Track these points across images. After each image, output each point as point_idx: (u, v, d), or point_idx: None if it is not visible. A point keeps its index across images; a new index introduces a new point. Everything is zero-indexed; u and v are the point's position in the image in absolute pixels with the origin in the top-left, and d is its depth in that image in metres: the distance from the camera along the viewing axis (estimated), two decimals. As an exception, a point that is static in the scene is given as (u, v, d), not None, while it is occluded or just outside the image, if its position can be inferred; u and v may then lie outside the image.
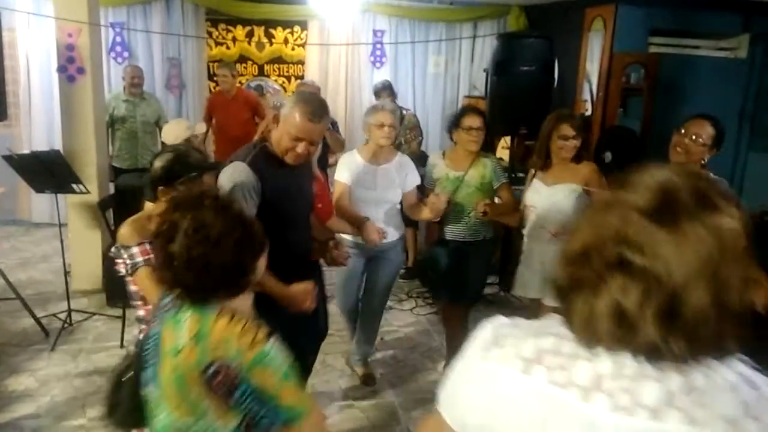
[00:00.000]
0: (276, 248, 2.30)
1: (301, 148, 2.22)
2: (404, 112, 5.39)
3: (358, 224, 2.97)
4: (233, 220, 1.37)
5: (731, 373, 0.78)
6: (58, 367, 3.55)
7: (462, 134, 3.19)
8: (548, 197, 2.97)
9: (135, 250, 1.92)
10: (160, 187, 1.96)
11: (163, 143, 4.07)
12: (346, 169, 3.20)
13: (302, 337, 2.40)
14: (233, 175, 2.18)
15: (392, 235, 3.23)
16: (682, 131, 2.68)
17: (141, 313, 2.02)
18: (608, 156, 4.96)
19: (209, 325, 1.32)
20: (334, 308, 3.50)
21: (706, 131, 2.62)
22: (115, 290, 4.18)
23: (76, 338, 3.90)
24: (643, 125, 5.19)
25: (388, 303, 4.52)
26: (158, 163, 2.00)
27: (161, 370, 1.36)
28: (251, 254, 1.40)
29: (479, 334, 0.93)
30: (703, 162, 2.63)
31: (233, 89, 5.46)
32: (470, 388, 0.89)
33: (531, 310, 3.12)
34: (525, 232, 3.14)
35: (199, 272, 1.32)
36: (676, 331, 0.75)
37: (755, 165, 5.41)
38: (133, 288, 2.00)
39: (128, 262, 1.93)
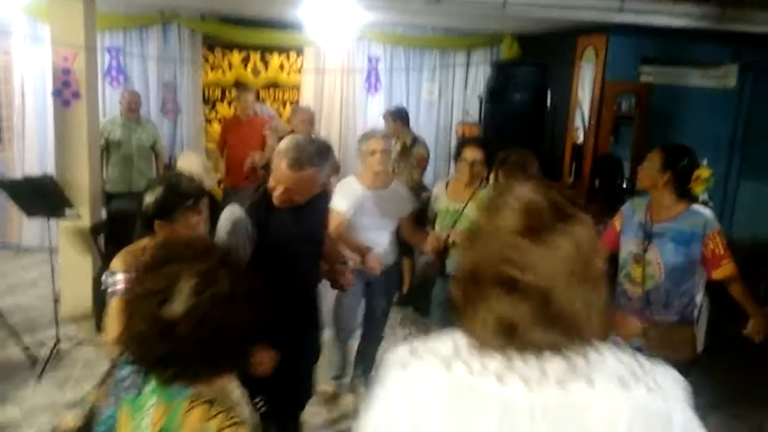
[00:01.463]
0: (273, 289, 2.30)
1: (278, 191, 2.18)
2: (416, 144, 5.20)
3: (361, 253, 2.97)
4: (239, 272, 1.14)
5: (606, 351, 0.93)
6: (45, 397, 3.48)
7: (462, 165, 3.21)
8: None
9: (119, 276, 1.85)
10: (157, 221, 1.92)
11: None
12: (344, 198, 3.17)
13: (299, 362, 2.38)
14: (225, 220, 2.18)
15: (389, 259, 3.27)
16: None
17: None
18: (597, 183, 5.08)
19: (179, 418, 1.06)
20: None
21: (656, 157, 2.66)
22: (104, 316, 4.12)
23: (64, 366, 3.83)
24: (634, 153, 5.24)
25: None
26: (150, 198, 1.93)
27: None
28: (258, 312, 1.15)
29: (391, 358, 1.01)
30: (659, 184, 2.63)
31: (252, 114, 5.51)
32: (394, 398, 0.97)
33: None
34: None
35: (208, 340, 1.05)
36: (553, 328, 0.88)
37: (746, 193, 5.46)
38: None
39: (110, 289, 1.86)
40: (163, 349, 1.05)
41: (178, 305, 1.04)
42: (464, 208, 3.20)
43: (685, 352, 2.53)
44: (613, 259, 2.85)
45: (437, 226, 3.29)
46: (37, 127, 5.92)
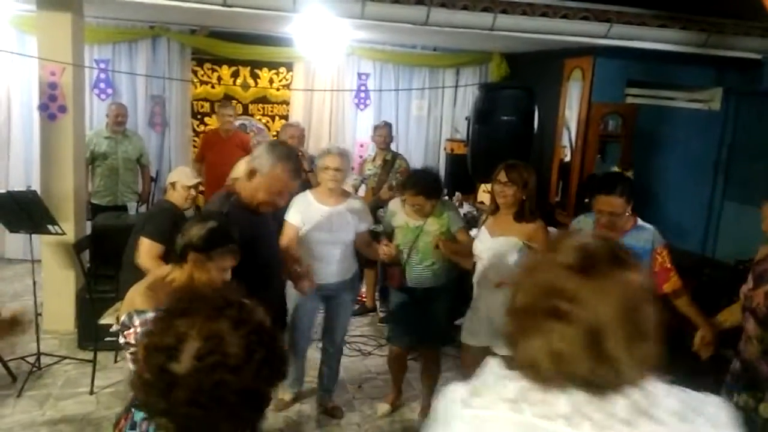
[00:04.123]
0: (259, 294, 2.34)
1: (283, 201, 2.39)
2: (398, 157, 5.39)
3: (299, 269, 2.87)
4: (257, 335, 1.05)
5: (658, 387, 0.96)
6: (24, 415, 3.43)
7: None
8: (491, 248, 3.03)
9: (150, 315, 1.75)
10: (193, 253, 1.93)
11: (199, 208, 4.08)
12: (297, 211, 3.24)
13: None
14: None
15: (346, 274, 3.35)
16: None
17: None
18: (586, 201, 5.11)
19: None
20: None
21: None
22: (87, 332, 4.08)
23: (44, 383, 3.78)
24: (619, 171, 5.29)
25: (365, 348, 4.52)
26: (197, 231, 1.96)
27: None
28: (273, 378, 1.09)
29: (450, 395, 1.05)
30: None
31: (232, 129, 5.51)
32: None
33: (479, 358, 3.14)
34: (474, 279, 3.21)
35: (206, 405, 1.00)
36: (602, 363, 0.91)
37: (730, 214, 5.53)
38: (132, 366, 1.85)
39: (140, 329, 1.74)
40: (164, 403, 1.02)
41: (180, 367, 1.00)
42: (423, 225, 3.26)
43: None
44: None
45: (398, 242, 3.33)
46: (23, 140, 5.88)
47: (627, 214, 2.65)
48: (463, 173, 5.38)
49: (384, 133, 5.41)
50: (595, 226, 2.74)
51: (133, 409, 1.24)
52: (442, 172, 6.77)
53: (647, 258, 2.58)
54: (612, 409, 0.92)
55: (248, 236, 2.27)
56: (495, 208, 3.12)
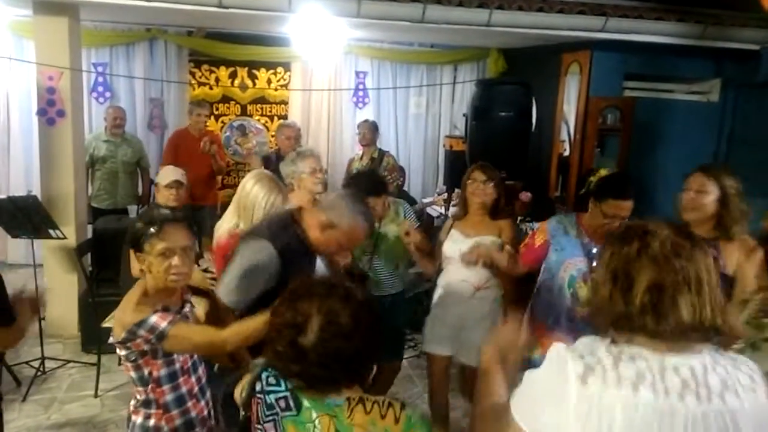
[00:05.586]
0: None
1: (348, 253, 2.43)
2: (385, 154, 5.45)
3: None
4: (361, 308, 1.35)
5: (725, 359, 1.17)
6: (30, 419, 3.45)
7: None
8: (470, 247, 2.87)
9: (154, 319, 1.78)
10: (136, 254, 1.88)
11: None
12: None
13: None
14: (257, 255, 2.09)
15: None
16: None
17: (150, 396, 1.88)
18: (581, 192, 5.11)
19: (345, 421, 1.30)
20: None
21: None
22: (90, 336, 4.10)
23: (49, 387, 3.80)
24: (619, 165, 5.29)
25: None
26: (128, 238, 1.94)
27: None
28: (376, 342, 1.38)
29: (562, 367, 1.12)
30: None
31: (203, 129, 5.39)
32: (573, 413, 1.08)
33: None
34: (440, 282, 3.05)
35: (331, 365, 1.30)
36: (705, 329, 1.11)
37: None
38: (134, 374, 1.87)
39: (151, 336, 1.77)
40: (297, 368, 1.31)
41: (309, 338, 1.30)
42: (379, 228, 3.04)
43: None
44: (529, 276, 2.83)
45: (356, 251, 3.04)
46: (23, 145, 5.90)
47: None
48: (462, 170, 5.35)
49: (364, 130, 5.45)
50: (577, 225, 2.67)
51: (259, 397, 1.39)
52: (441, 169, 6.82)
53: None
54: (710, 383, 1.09)
55: (294, 272, 2.08)
56: (464, 212, 3.02)
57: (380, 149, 5.53)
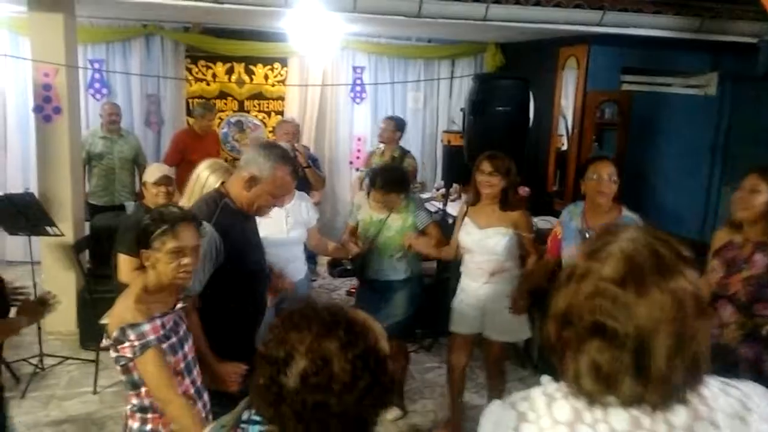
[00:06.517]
0: (247, 300, 2.34)
1: (284, 203, 2.34)
2: (407, 155, 5.26)
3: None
4: (363, 360, 1.02)
5: (711, 386, 0.94)
6: (28, 416, 3.45)
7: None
8: (480, 240, 3.07)
9: (146, 327, 1.76)
10: (142, 250, 1.86)
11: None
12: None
13: None
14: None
15: (300, 273, 3.21)
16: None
17: (145, 402, 1.86)
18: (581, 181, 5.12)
19: None
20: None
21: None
22: (88, 332, 4.10)
23: (48, 384, 3.80)
24: (617, 159, 5.29)
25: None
26: (127, 237, 1.96)
27: None
28: (379, 406, 1.06)
29: (496, 420, 1.01)
30: None
31: (210, 129, 5.53)
32: None
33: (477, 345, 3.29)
34: (462, 269, 3.25)
35: (309, 422, 1.02)
36: (649, 383, 0.87)
37: (727, 200, 5.49)
38: (125, 378, 1.85)
39: (136, 343, 1.75)
40: (271, 412, 1.05)
41: (288, 382, 1.01)
42: (386, 219, 3.28)
43: None
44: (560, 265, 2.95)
45: (361, 234, 3.35)
46: (20, 143, 5.87)
47: (613, 195, 2.72)
48: (460, 165, 5.36)
49: (385, 126, 5.31)
50: (582, 214, 2.77)
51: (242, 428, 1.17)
52: (439, 164, 6.81)
53: None
54: (673, 420, 0.90)
55: (240, 243, 2.24)
56: (476, 199, 3.15)
57: (402, 148, 5.33)
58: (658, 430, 0.90)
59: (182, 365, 1.91)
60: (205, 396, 2.02)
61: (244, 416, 1.14)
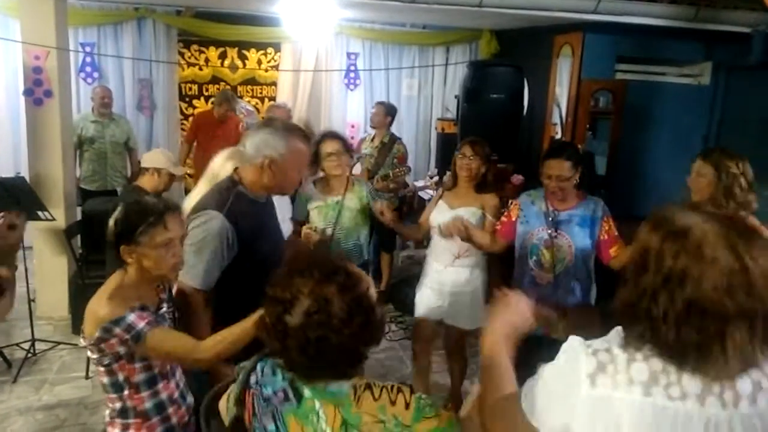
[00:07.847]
0: (261, 287, 2.24)
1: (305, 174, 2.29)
2: (397, 141, 5.18)
3: None
4: (358, 303, 1.21)
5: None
6: (20, 400, 3.45)
7: (324, 162, 3.19)
8: (449, 219, 2.99)
9: (132, 317, 1.66)
10: (122, 246, 1.75)
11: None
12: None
13: None
14: (205, 226, 2.01)
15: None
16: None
17: (128, 404, 1.75)
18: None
19: (353, 410, 1.19)
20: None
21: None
22: (80, 317, 4.07)
23: (40, 369, 3.80)
24: (611, 147, 5.32)
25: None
26: (111, 221, 1.78)
27: None
28: (369, 342, 1.25)
29: (573, 364, 1.06)
30: None
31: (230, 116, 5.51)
32: (582, 413, 1.02)
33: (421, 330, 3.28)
34: (428, 251, 3.28)
35: (311, 354, 1.18)
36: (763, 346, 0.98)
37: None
38: (107, 380, 1.74)
39: (127, 336, 1.65)
40: (278, 346, 1.22)
41: (293, 319, 1.18)
42: (342, 199, 3.19)
43: (594, 333, 2.58)
44: (509, 249, 2.96)
45: (319, 222, 3.18)
46: (11, 126, 5.81)
47: (575, 181, 2.71)
48: (454, 153, 5.36)
49: (376, 111, 5.27)
50: (545, 198, 2.80)
51: (255, 389, 1.28)
52: (433, 152, 6.81)
53: (597, 225, 2.72)
54: (740, 389, 1.00)
55: (256, 228, 2.13)
56: (453, 184, 3.19)
57: (392, 134, 5.27)
58: (726, 397, 0.99)
59: (168, 367, 1.83)
60: (189, 398, 1.93)
61: (253, 379, 1.28)
